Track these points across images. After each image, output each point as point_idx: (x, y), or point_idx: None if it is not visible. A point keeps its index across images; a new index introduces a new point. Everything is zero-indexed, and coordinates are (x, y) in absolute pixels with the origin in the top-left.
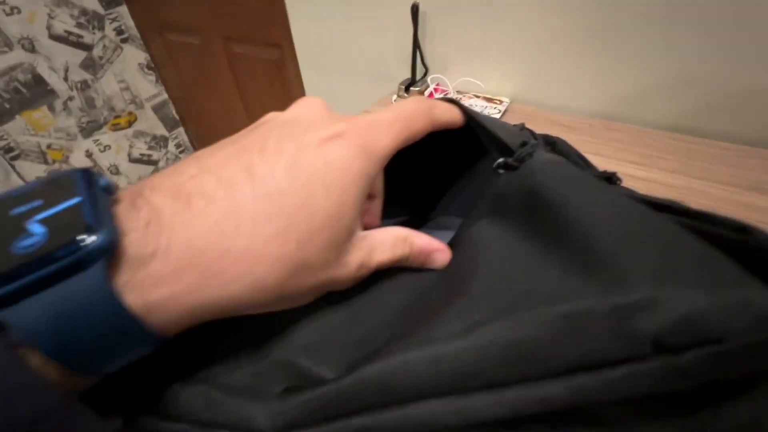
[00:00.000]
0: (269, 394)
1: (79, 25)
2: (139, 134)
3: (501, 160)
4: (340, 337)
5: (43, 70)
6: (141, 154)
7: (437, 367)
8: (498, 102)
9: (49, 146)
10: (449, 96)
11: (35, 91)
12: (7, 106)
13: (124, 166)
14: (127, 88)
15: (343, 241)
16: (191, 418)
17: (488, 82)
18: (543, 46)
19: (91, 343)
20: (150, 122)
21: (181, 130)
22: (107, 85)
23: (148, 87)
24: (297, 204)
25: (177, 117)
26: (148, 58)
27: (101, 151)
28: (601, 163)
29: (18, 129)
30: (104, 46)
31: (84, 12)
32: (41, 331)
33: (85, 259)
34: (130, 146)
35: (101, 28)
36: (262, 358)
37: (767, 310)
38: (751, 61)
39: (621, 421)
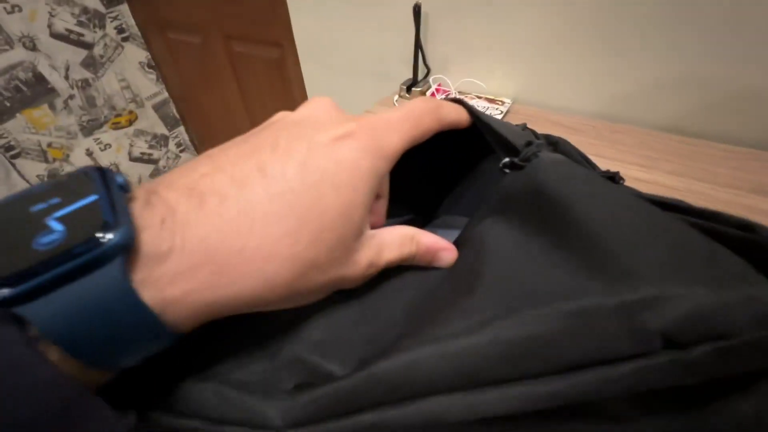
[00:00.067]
0: (280, 391)
1: (80, 24)
2: (140, 133)
3: (507, 159)
4: (349, 334)
5: (44, 69)
6: (141, 153)
7: (448, 364)
8: (500, 103)
9: (49, 145)
10: (451, 96)
11: (36, 90)
12: (8, 104)
13: (125, 164)
14: (128, 87)
15: (352, 240)
16: (204, 414)
17: (490, 83)
18: (545, 46)
19: (109, 338)
20: (150, 121)
21: (181, 129)
22: (108, 83)
23: (148, 86)
24: (308, 203)
25: (177, 116)
26: (149, 56)
27: (102, 150)
28: (605, 165)
29: (18, 127)
30: (105, 44)
31: (85, 10)
32: (61, 326)
33: (103, 256)
34: (131, 145)
35: (102, 26)
36: (272, 354)
37: None
38: (755, 62)
39: (627, 416)
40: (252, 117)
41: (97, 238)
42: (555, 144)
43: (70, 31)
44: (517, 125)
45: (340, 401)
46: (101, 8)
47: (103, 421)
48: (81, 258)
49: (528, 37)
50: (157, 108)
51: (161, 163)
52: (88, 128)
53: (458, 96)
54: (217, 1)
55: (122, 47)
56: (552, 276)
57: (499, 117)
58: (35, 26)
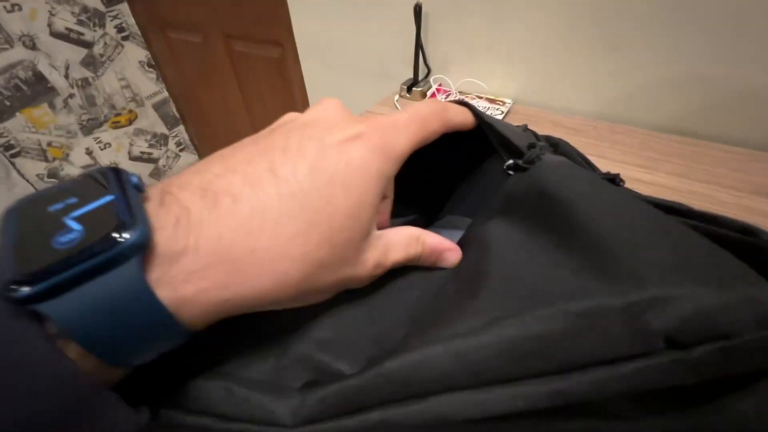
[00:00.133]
0: (290, 389)
1: (80, 23)
2: (140, 132)
3: (511, 161)
4: (357, 333)
5: (44, 68)
6: (141, 152)
7: (455, 363)
8: (501, 103)
9: (49, 144)
10: (451, 96)
11: (36, 89)
12: (8, 103)
13: (125, 164)
14: (128, 86)
15: (360, 241)
16: (214, 411)
17: (491, 83)
18: (546, 46)
19: (125, 336)
20: (150, 120)
21: (181, 128)
22: (108, 82)
23: (148, 85)
24: (319, 204)
25: (177, 115)
26: (149, 55)
27: (101, 149)
28: (606, 167)
29: (18, 126)
30: (105, 43)
31: (85, 9)
32: (79, 324)
33: (120, 256)
34: (131, 144)
35: (102, 25)
36: (281, 353)
37: None
38: (757, 62)
39: (628, 415)
40: (252, 116)
41: (114, 238)
42: (555, 145)
43: (70, 30)
44: (517, 126)
45: (349, 399)
46: (101, 7)
47: (118, 417)
48: (99, 257)
49: (529, 37)
50: (157, 107)
51: (161, 162)
52: (88, 127)
53: (459, 96)
54: (218, 1)
55: (122, 46)
56: (556, 276)
57: (500, 117)
58: (35, 25)
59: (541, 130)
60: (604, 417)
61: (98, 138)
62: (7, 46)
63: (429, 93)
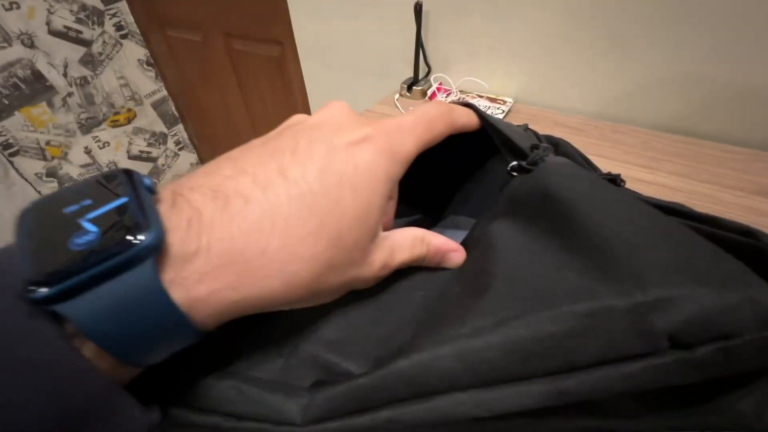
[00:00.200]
0: (299, 388)
1: (79, 21)
2: (139, 131)
3: (515, 163)
4: (364, 333)
5: (42, 66)
6: (140, 151)
7: (463, 362)
8: (501, 102)
9: (48, 142)
10: (451, 95)
11: (34, 87)
12: (6, 102)
13: (123, 162)
14: (127, 85)
15: (367, 242)
16: (224, 410)
17: (491, 82)
18: (548, 45)
19: (140, 335)
20: (149, 119)
21: (180, 127)
22: (106, 81)
23: (147, 83)
24: (328, 206)
25: (176, 114)
26: (148, 54)
27: (100, 148)
28: (608, 166)
29: (17, 125)
30: (104, 42)
31: (83, 7)
32: (96, 323)
33: (136, 257)
34: (129, 143)
35: (101, 23)
36: (290, 352)
37: None
38: (760, 62)
39: (630, 413)
40: (251, 115)
41: (129, 240)
42: (556, 145)
43: (69, 29)
44: (518, 126)
45: (359, 398)
46: (100, 5)
47: (130, 416)
48: (115, 259)
49: (530, 35)
50: (156, 106)
51: (160, 161)
52: (87, 126)
53: (460, 95)
54: None
55: (121, 44)
56: (560, 277)
57: (501, 116)
58: (34, 23)
59: (542, 130)
60: (606, 415)
61: (97, 137)
62: (5, 44)
63: (429, 92)
